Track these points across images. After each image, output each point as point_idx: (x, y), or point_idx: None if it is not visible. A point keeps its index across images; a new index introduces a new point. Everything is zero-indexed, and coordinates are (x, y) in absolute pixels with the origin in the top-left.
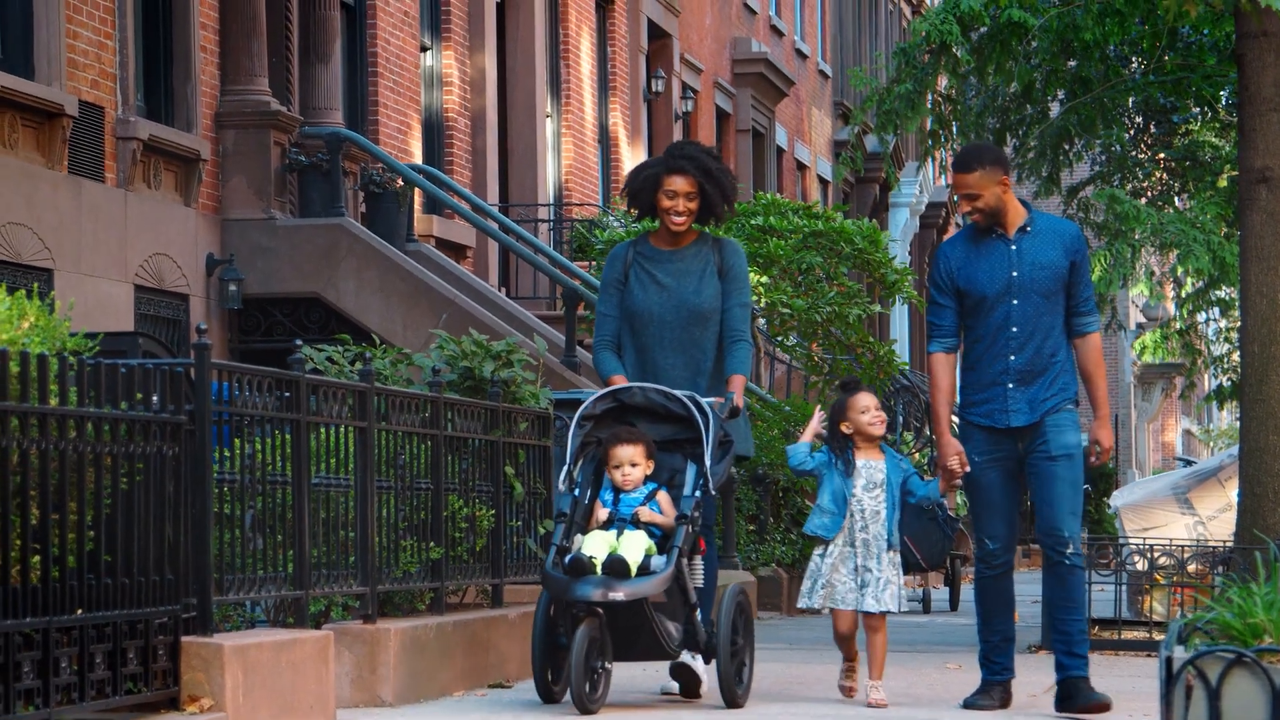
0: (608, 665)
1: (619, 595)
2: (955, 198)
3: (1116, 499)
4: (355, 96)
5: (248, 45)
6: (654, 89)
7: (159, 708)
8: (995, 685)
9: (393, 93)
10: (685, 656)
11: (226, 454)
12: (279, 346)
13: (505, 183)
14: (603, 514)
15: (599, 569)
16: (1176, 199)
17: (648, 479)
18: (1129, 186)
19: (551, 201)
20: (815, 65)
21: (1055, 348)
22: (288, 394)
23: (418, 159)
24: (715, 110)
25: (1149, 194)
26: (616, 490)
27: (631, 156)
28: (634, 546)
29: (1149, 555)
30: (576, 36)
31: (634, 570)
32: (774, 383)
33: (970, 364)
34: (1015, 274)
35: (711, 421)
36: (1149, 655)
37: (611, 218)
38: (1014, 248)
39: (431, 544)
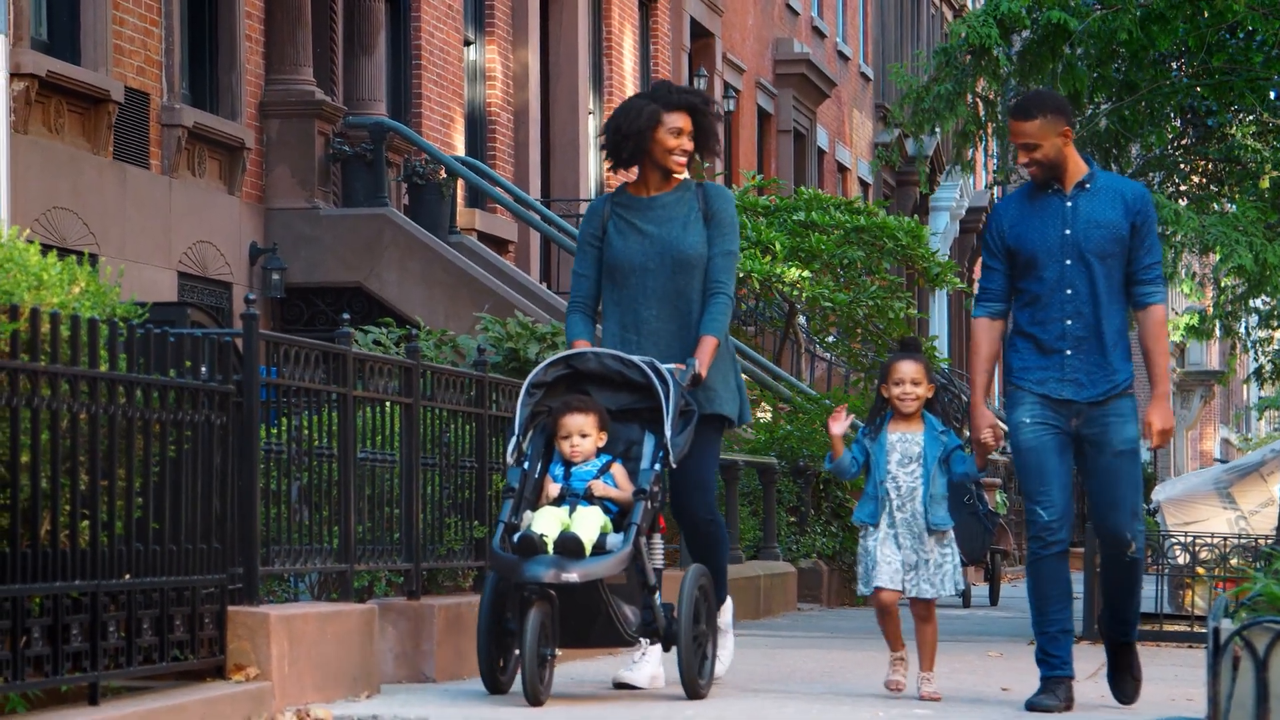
0: (557, 652)
1: (572, 576)
2: (1012, 148)
3: (1159, 493)
4: (399, 89)
5: (293, 35)
6: (696, 88)
7: (205, 675)
8: (1057, 683)
9: (436, 85)
10: (643, 645)
11: (273, 429)
12: (321, 335)
13: (547, 178)
14: (553, 489)
15: (550, 548)
16: (1216, 202)
17: (601, 451)
18: (1169, 189)
19: (593, 197)
20: (857, 67)
21: (1113, 315)
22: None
23: (460, 152)
24: (757, 110)
25: (1189, 196)
26: (567, 463)
27: None
28: (588, 524)
29: (1191, 549)
30: (619, 33)
31: (589, 549)
32: (814, 380)
33: (1021, 328)
34: (1068, 231)
35: (673, 389)
36: (1190, 647)
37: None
38: (1069, 204)
39: (476, 523)
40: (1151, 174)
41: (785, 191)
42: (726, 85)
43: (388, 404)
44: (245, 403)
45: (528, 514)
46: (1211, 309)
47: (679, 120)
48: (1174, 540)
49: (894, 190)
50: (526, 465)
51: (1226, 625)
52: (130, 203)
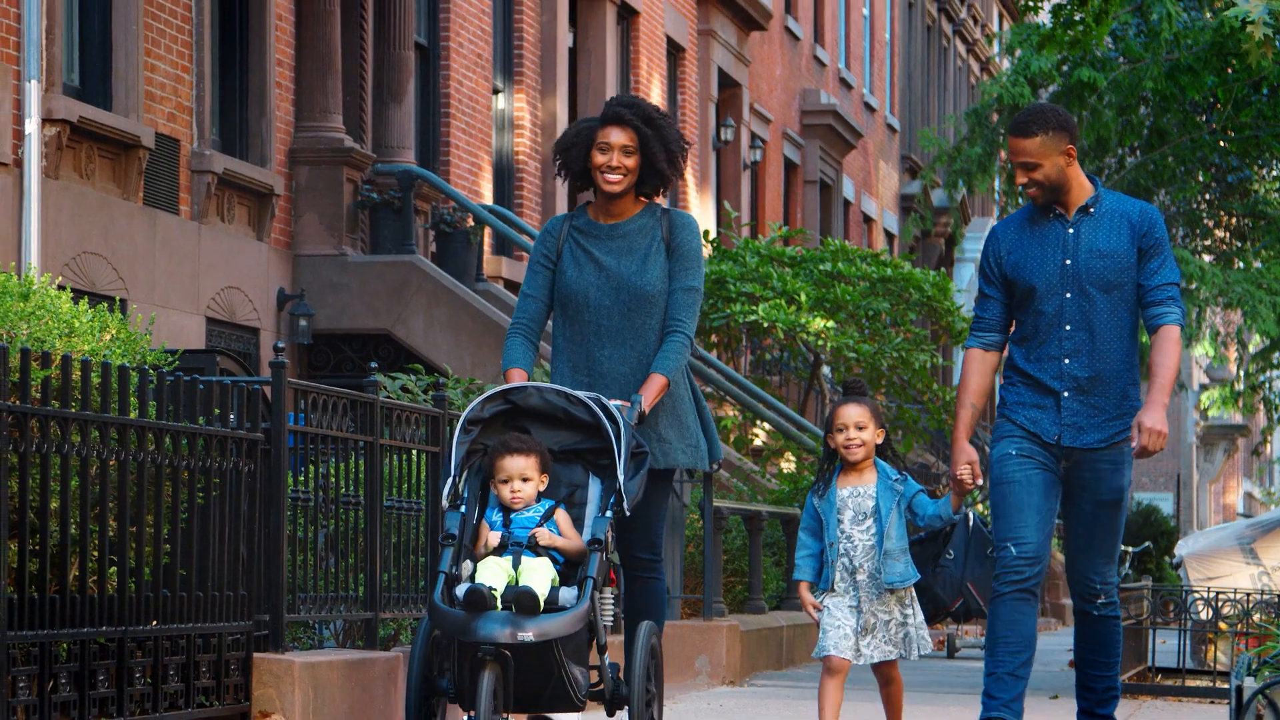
0: (507, 719)
1: (528, 635)
2: (1011, 167)
3: (1181, 548)
4: (427, 136)
5: (322, 82)
6: (723, 138)
7: None
8: None
9: (464, 134)
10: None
11: (300, 476)
12: (348, 382)
13: None
14: (494, 538)
15: (499, 602)
16: (1241, 258)
17: (542, 495)
18: (1193, 244)
19: None
20: (883, 119)
21: (1120, 354)
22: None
23: (488, 200)
24: (784, 160)
25: (1214, 251)
26: (506, 509)
27: (699, 204)
28: (539, 576)
29: (1214, 604)
30: (647, 83)
31: (542, 604)
32: None
33: (1016, 364)
34: (1068, 262)
35: (624, 430)
36: (1212, 703)
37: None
38: (1070, 231)
39: None
40: (1176, 228)
41: (811, 242)
42: (753, 135)
43: (414, 452)
44: (273, 450)
45: (467, 564)
46: (1235, 368)
47: (614, 135)
48: (1197, 595)
49: (919, 241)
50: (464, 509)
51: (1249, 684)
52: (160, 248)
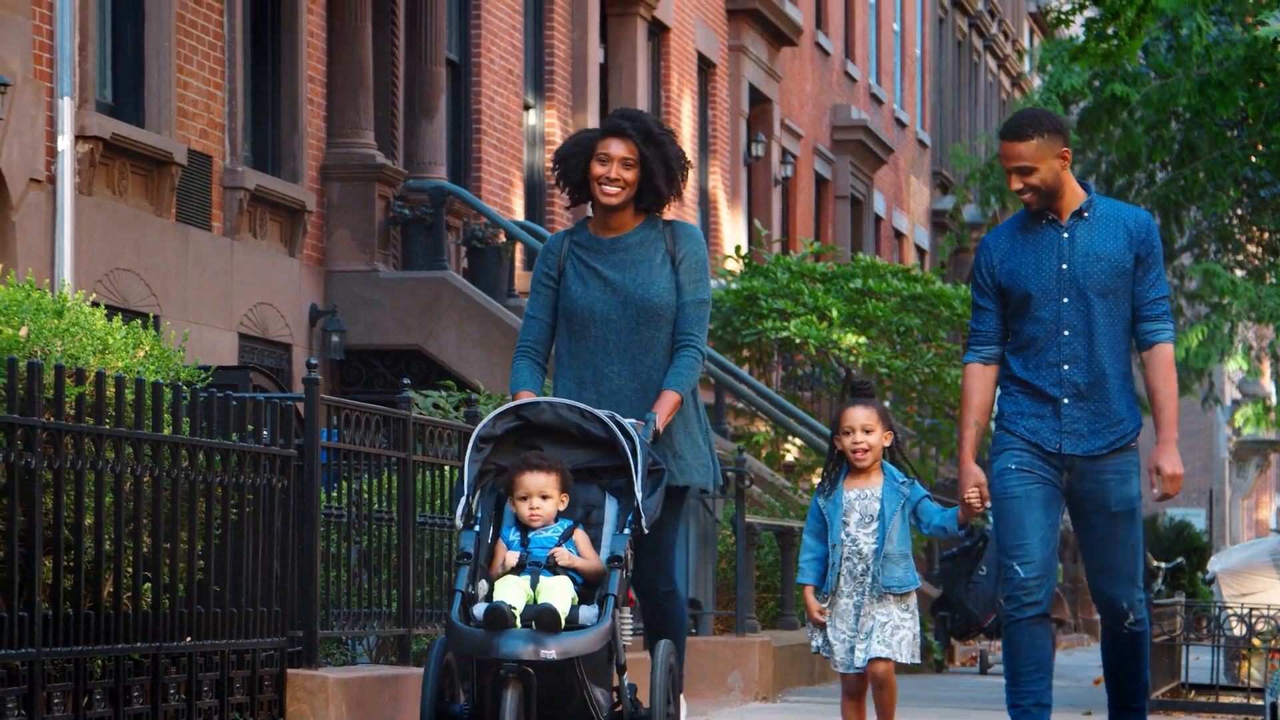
0: None
1: (551, 653)
2: (1005, 172)
3: (1214, 564)
4: (459, 152)
5: (354, 98)
6: (754, 153)
7: None
8: None
9: (495, 150)
10: None
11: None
12: (380, 398)
13: None
14: (511, 558)
15: (518, 620)
16: (1273, 272)
17: (560, 515)
18: (1225, 259)
19: None
20: (914, 134)
21: (1117, 359)
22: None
23: (519, 216)
24: (814, 176)
25: (1245, 266)
26: (523, 527)
27: (731, 220)
28: (559, 595)
29: (1247, 620)
30: (678, 99)
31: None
32: None
33: (1014, 373)
34: (1065, 266)
35: (640, 446)
36: (1246, 719)
37: (711, 278)
38: (1066, 235)
39: None
40: (1208, 243)
41: (842, 258)
42: (784, 151)
43: (447, 468)
44: (306, 467)
45: (483, 584)
46: (1268, 382)
47: (613, 147)
48: (1230, 611)
49: (951, 256)
50: (478, 528)
51: None
52: (192, 264)
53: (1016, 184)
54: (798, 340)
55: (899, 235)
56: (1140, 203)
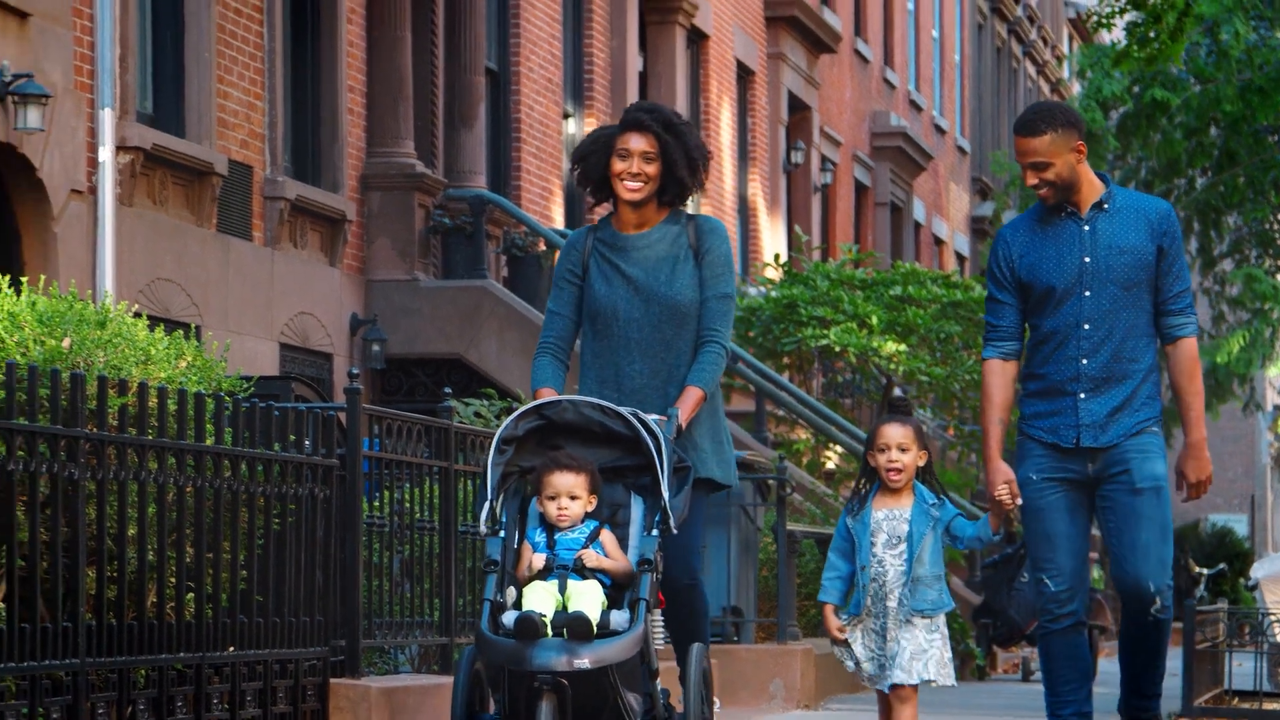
0: None
1: (584, 662)
2: (1020, 168)
3: (1257, 570)
4: (498, 161)
5: (394, 108)
6: (793, 160)
7: None
8: None
9: (535, 158)
10: None
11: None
12: (421, 407)
13: None
14: (538, 561)
15: (549, 629)
16: None
17: (586, 515)
18: (1265, 264)
19: None
20: (953, 140)
21: (1138, 352)
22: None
23: (559, 225)
24: (854, 183)
25: None
26: (549, 528)
27: (770, 227)
28: (590, 600)
29: None
30: (717, 107)
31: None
32: None
33: (1034, 369)
34: (1087, 259)
35: (664, 444)
36: None
37: (750, 286)
38: (1087, 228)
39: None
40: (1249, 248)
41: (882, 264)
42: (824, 158)
43: None
44: (348, 476)
45: (511, 591)
46: None
47: (634, 141)
48: (1273, 617)
49: None
50: (504, 534)
51: None
52: (233, 274)
53: (1032, 179)
54: (838, 348)
55: (938, 242)
56: (1180, 209)
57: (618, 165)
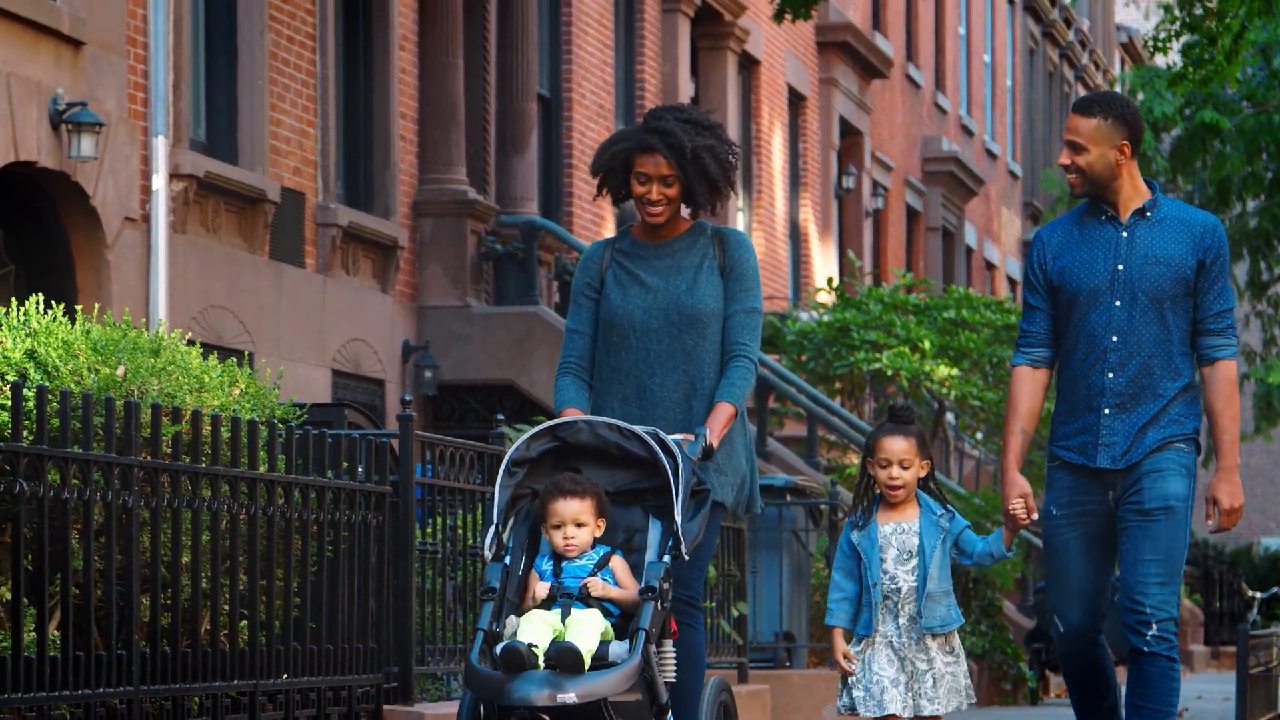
0: None
1: (569, 696)
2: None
3: None
4: (550, 187)
5: (446, 135)
6: (844, 185)
7: None
8: None
9: (587, 184)
10: None
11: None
12: (473, 433)
13: None
14: (541, 589)
15: (540, 661)
16: None
17: (598, 541)
18: None
19: None
20: (1005, 165)
21: (1171, 369)
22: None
23: None
24: (905, 208)
25: None
26: (557, 556)
27: (822, 252)
28: (586, 630)
29: None
30: (769, 132)
31: (588, 661)
32: (963, 477)
33: (1061, 382)
34: (1120, 267)
35: (682, 466)
36: None
37: (802, 310)
38: (1125, 234)
39: None
40: None
41: (934, 290)
42: (875, 183)
43: None
44: (401, 503)
45: (511, 620)
46: None
47: (649, 165)
48: None
49: None
50: (508, 560)
51: None
52: (285, 301)
53: (1065, 159)
54: (890, 372)
55: (990, 266)
56: (1232, 235)
57: (637, 188)
